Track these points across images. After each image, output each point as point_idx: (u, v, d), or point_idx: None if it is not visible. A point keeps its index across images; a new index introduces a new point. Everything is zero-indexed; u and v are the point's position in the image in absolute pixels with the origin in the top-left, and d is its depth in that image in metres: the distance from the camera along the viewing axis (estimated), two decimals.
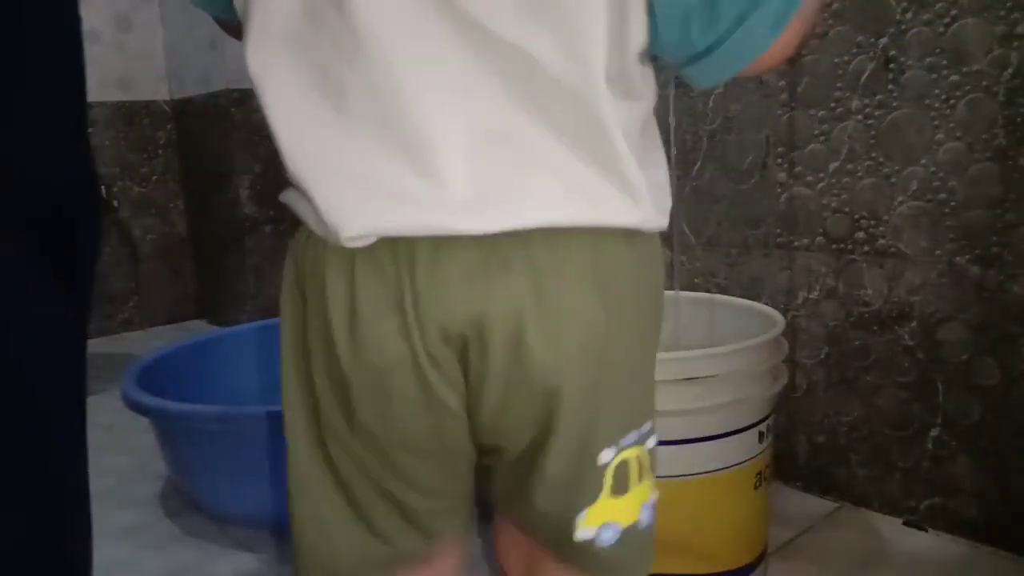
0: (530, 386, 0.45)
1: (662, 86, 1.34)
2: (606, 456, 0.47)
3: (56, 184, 0.45)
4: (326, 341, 0.46)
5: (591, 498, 0.48)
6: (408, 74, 0.43)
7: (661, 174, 0.49)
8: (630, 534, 0.49)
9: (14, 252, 0.43)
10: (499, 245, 0.44)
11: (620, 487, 0.48)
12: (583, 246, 0.45)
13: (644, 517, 0.50)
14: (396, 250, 0.43)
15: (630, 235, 0.47)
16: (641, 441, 0.49)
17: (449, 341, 0.45)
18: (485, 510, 0.60)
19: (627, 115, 0.45)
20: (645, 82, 0.47)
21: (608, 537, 0.48)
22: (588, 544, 0.48)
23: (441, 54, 0.43)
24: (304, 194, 0.45)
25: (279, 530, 1.19)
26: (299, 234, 0.49)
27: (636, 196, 0.45)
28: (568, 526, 0.48)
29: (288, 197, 0.48)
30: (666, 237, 1.32)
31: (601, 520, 0.48)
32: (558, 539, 0.50)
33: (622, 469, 0.48)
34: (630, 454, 0.48)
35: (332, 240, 0.44)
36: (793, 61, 1.12)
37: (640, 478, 0.49)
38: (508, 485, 0.51)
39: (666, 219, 0.48)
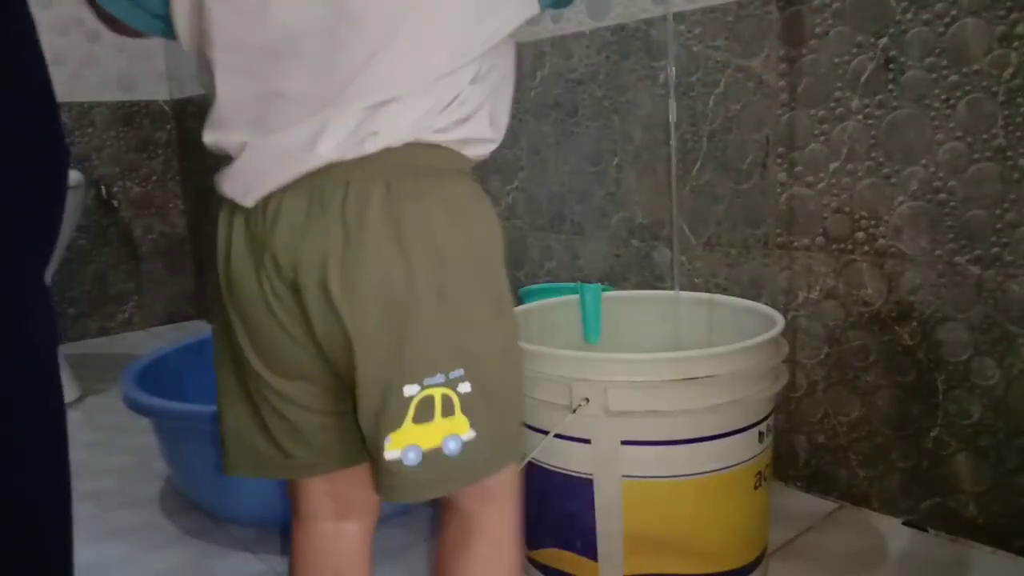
0: (336, 326, 0.56)
1: (662, 86, 1.35)
2: (410, 391, 0.57)
3: (39, 152, 0.55)
4: (216, 278, 0.60)
5: (396, 424, 0.57)
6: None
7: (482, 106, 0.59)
8: (433, 457, 0.58)
9: (12, 201, 0.52)
10: (323, 189, 0.55)
11: (423, 417, 0.57)
12: (388, 200, 0.55)
13: (451, 446, 0.58)
14: (256, 205, 0.57)
15: (440, 175, 0.57)
16: (450, 384, 0.58)
17: (285, 282, 0.57)
18: None
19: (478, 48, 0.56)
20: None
21: (413, 458, 0.57)
22: (397, 464, 0.57)
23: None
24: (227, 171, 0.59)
25: (279, 530, 1.19)
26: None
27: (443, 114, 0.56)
28: (378, 447, 0.58)
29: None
30: (666, 237, 1.33)
31: (405, 443, 0.57)
32: (375, 460, 0.59)
33: (426, 403, 0.57)
34: (435, 392, 0.57)
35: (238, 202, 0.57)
36: (793, 61, 1.13)
37: (447, 413, 0.58)
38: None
39: (473, 146, 0.59)
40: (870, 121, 1.06)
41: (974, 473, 1.04)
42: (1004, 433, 1.01)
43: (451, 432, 0.58)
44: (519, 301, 1.23)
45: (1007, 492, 1.02)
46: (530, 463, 0.95)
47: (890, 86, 1.04)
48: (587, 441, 0.90)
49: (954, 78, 0.98)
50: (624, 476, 0.90)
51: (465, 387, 0.58)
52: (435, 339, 0.57)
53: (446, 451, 0.58)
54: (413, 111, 0.55)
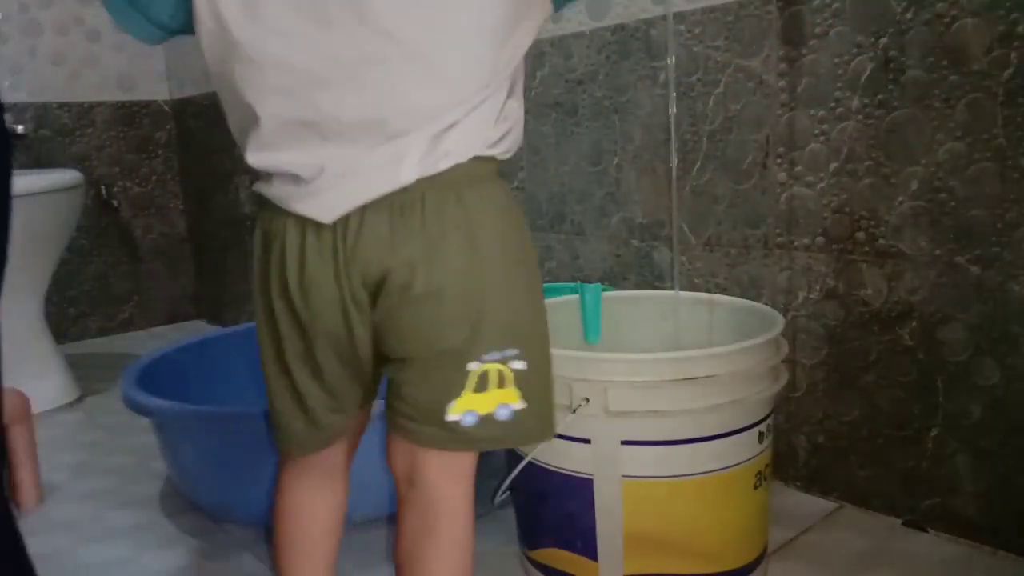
0: (419, 319, 0.65)
1: (662, 86, 1.35)
2: (472, 366, 0.67)
3: None
4: (284, 283, 0.66)
5: (458, 393, 0.67)
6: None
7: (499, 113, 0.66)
8: (487, 420, 0.68)
9: None
10: (403, 204, 0.62)
11: (480, 388, 0.67)
12: (459, 207, 0.64)
13: (501, 412, 0.68)
14: (336, 221, 0.63)
15: (489, 180, 0.66)
16: (504, 360, 0.67)
17: (366, 287, 0.65)
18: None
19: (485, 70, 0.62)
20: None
21: (470, 420, 0.68)
22: (456, 424, 0.68)
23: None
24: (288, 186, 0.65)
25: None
26: (264, 208, 0.68)
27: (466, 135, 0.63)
28: (442, 411, 0.67)
29: (259, 186, 0.68)
30: (666, 237, 1.33)
31: (465, 409, 0.67)
32: (435, 423, 0.68)
33: (483, 376, 0.67)
34: (491, 367, 0.67)
35: (311, 216, 0.63)
36: (793, 61, 1.13)
37: (501, 385, 0.68)
38: (401, 386, 0.70)
39: (494, 150, 0.66)
40: (870, 121, 1.06)
41: (974, 473, 1.04)
42: (1004, 433, 1.01)
43: (503, 401, 0.68)
44: None
45: (1007, 492, 1.02)
46: (530, 463, 0.95)
47: (890, 86, 1.04)
48: (587, 441, 0.90)
49: (954, 78, 0.98)
50: (624, 476, 0.90)
51: (519, 364, 0.68)
52: (495, 323, 0.67)
53: (498, 417, 0.68)
54: (473, 130, 0.63)
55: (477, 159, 0.64)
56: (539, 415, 0.71)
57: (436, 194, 0.63)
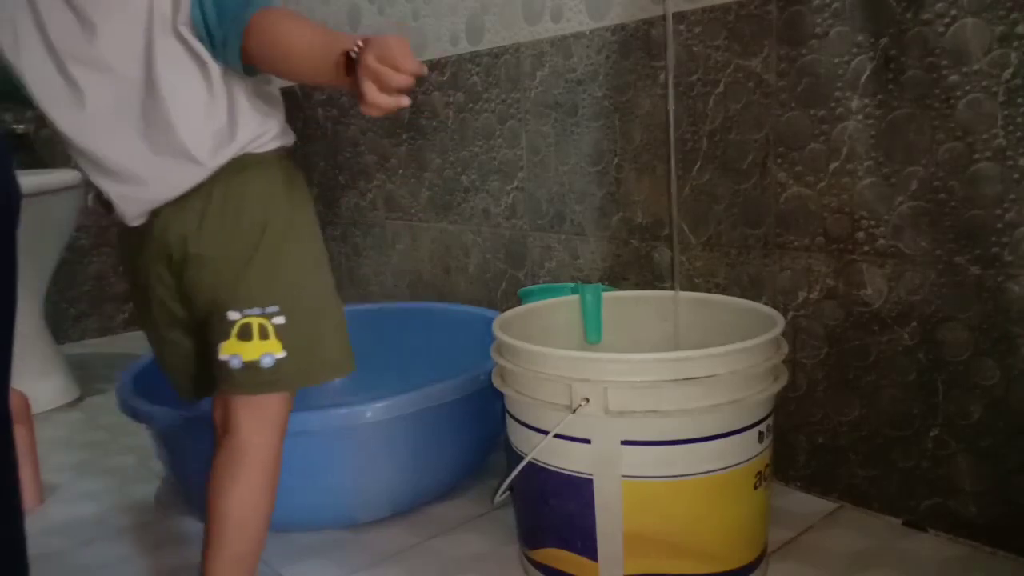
0: (194, 278, 0.83)
1: (662, 86, 1.34)
2: (232, 316, 0.81)
3: None
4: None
5: (224, 337, 0.82)
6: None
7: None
8: (251, 366, 0.82)
9: None
10: (185, 198, 0.81)
11: (243, 336, 0.82)
12: (221, 188, 0.81)
13: (265, 360, 0.82)
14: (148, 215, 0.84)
15: (247, 165, 0.82)
16: (266, 316, 0.82)
17: (161, 258, 0.84)
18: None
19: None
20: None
21: (236, 363, 0.82)
22: (226, 364, 0.82)
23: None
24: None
25: (279, 530, 1.19)
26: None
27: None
28: (215, 353, 0.83)
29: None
30: (666, 237, 1.33)
31: (230, 352, 0.82)
32: (215, 362, 0.83)
33: (246, 327, 0.81)
34: (252, 320, 0.81)
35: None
36: (793, 61, 1.13)
37: (263, 337, 0.82)
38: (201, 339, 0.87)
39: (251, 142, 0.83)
40: (870, 121, 1.06)
41: (974, 473, 1.04)
42: (1004, 433, 1.01)
43: (266, 351, 0.81)
44: (519, 301, 1.23)
45: (1007, 492, 1.02)
46: (530, 463, 0.95)
47: (890, 86, 1.04)
48: (587, 441, 0.90)
49: (954, 78, 0.98)
50: (624, 476, 0.90)
51: (280, 320, 0.82)
52: (249, 282, 0.81)
53: (262, 364, 0.82)
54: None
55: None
56: (301, 363, 0.83)
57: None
